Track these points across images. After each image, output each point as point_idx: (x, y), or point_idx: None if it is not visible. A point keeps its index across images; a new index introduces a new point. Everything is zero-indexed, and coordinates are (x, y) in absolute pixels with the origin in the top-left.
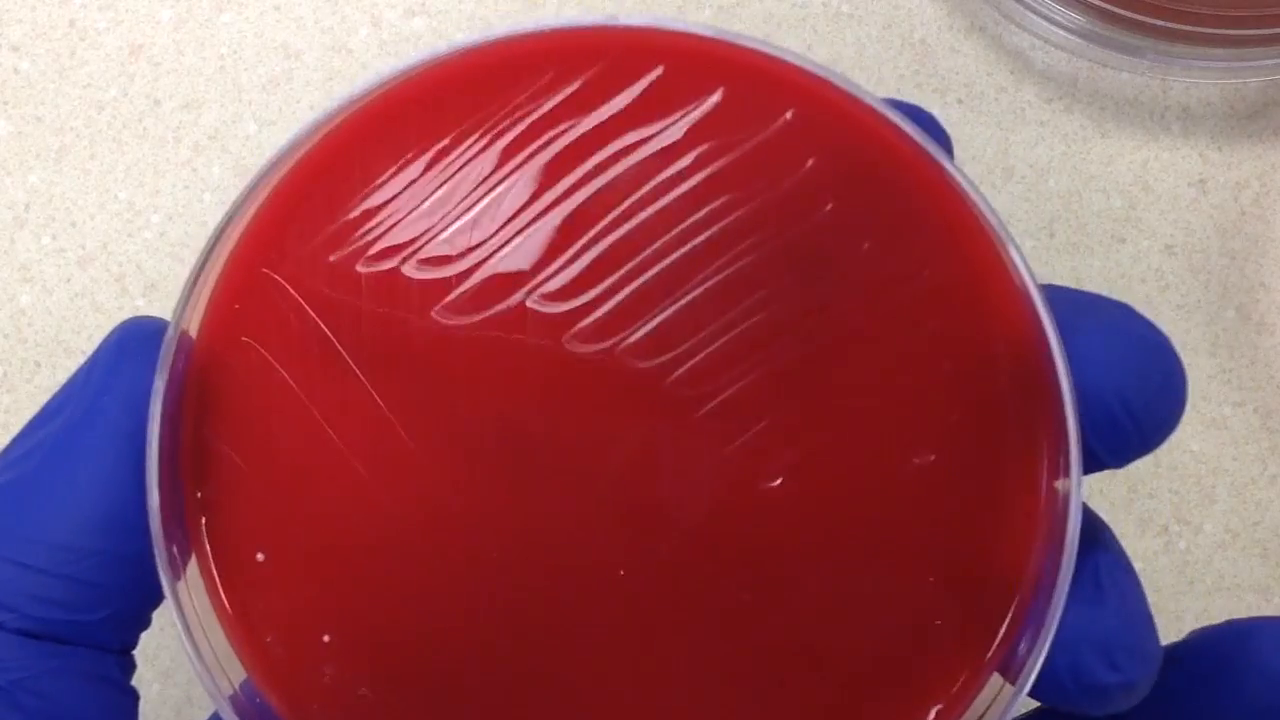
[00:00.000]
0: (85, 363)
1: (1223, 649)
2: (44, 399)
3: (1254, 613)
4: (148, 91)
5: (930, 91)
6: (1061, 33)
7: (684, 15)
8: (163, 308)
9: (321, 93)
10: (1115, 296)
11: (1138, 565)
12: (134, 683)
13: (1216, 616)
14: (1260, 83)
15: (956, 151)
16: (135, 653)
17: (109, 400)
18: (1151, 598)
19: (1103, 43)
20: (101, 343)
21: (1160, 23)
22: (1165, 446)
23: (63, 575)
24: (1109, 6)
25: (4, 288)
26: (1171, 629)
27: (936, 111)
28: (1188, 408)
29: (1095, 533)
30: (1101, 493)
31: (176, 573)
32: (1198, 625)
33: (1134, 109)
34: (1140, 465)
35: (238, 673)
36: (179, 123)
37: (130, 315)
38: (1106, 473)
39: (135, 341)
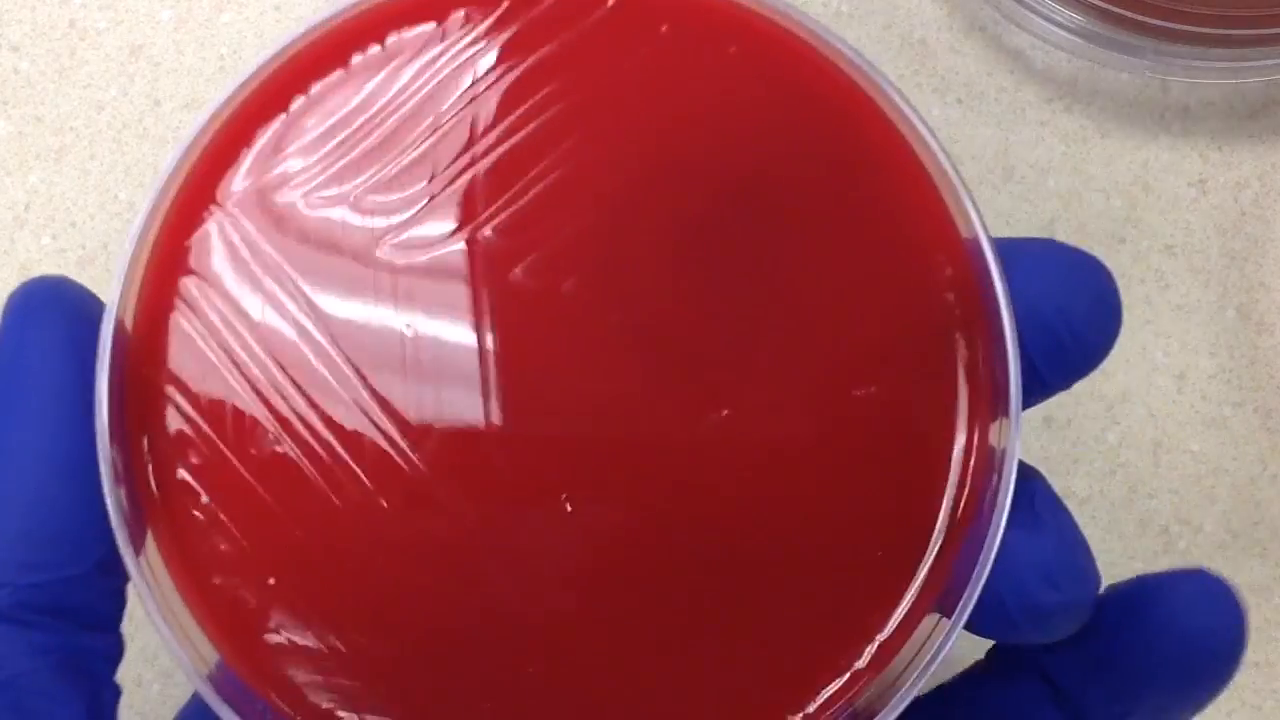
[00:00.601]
0: None
1: (1131, 605)
2: None
3: (1254, 613)
4: (148, 91)
5: (930, 91)
6: (1061, 33)
7: None
8: None
9: None
10: None
11: (1137, 565)
12: (134, 683)
13: None
14: (1260, 83)
15: (956, 151)
16: (134, 654)
17: (35, 354)
18: None
19: (1103, 43)
20: (8, 303)
21: (1160, 23)
22: (1165, 446)
23: (43, 535)
24: (1109, 6)
25: (4, 288)
26: None
27: (935, 112)
28: (1188, 407)
29: (1028, 473)
30: (1102, 493)
31: (135, 516)
32: None
33: (1134, 109)
34: (1140, 465)
35: (189, 619)
36: (179, 123)
37: None
38: (1106, 472)
39: (45, 292)
